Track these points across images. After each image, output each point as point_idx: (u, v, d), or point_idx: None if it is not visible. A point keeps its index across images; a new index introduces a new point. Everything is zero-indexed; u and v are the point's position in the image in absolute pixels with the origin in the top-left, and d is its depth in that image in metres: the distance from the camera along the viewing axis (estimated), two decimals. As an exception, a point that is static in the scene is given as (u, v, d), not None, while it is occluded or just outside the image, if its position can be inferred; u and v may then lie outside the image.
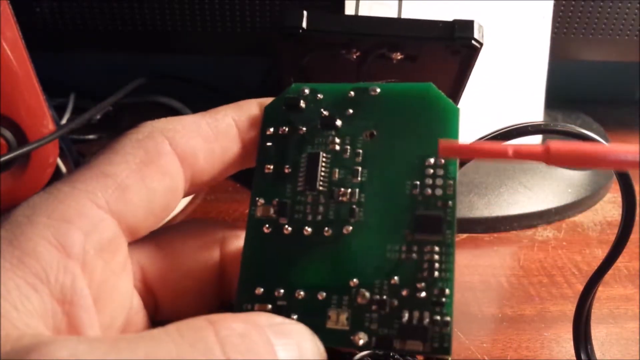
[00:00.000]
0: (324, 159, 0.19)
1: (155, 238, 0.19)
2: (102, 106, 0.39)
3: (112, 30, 0.41)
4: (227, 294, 0.20)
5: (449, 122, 0.18)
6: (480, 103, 0.41)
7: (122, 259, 0.17)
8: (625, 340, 0.30)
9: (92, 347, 0.12)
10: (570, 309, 0.30)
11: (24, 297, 0.14)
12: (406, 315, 0.16)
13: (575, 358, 0.23)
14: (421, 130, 0.18)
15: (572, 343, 0.24)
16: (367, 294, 0.17)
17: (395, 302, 0.17)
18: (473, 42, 0.18)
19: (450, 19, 0.39)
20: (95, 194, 0.16)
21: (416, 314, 0.16)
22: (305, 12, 0.19)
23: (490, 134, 0.21)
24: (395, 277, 0.17)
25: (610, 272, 0.22)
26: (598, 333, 0.30)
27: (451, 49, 0.18)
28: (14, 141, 0.30)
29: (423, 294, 0.16)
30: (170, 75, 0.49)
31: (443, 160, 0.18)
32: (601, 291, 0.32)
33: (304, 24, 0.19)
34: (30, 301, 0.14)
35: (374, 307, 0.17)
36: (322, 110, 0.19)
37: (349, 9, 0.39)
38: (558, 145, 0.15)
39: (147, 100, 0.47)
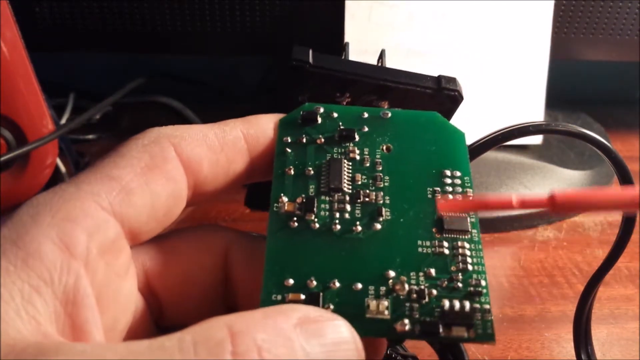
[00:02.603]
0: (346, 164, 0.19)
1: (160, 242, 0.19)
2: (101, 106, 0.39)
3: (112, 30, 0.41)
4: (233, 299, 0.20)
5: (458, 145, 0.20)
6: (481, 103, 0.41)
7: (125, 261, 0.17)
8: (626, 341, 0.30)
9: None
10: (570, 309, 0.30)
11: (27, 302, 0.14)
12: (447, 304, 0.16)
13: (575, 358, 0.23)
14: (434, 148, 0.20)
15: (572, 343, 0.23)
16: (406, 284, 0.17)
17: (434, 292, 0.17)
18: (456, 94, 0.20)
19: (451, 20, 0.39)
20: (99, 196, 0.16)
21: (456, 302, 0.17)
22: (310, 50, 0.20)
23: (491, 134, 0.21)
24: (431, 269, 0.17)
25: (610, 272, 0.22)
26: (599, 333, 0.30)
27: (436, 100, 0.20)
28: (14, 141, 0.30)
29: (460, 285, 0.17)
30: (170, 75, 0.49)
31: (458, 173, 0.19)
32: (602, 291, 0.32)
33: (310, 59, 0.20)
34: (34, 306, 0.14)
35: (413, 296, 0.17)
36: (339, 124, 0.20)
37: (349, 10, 0.39)
38: (562, 193, 0.15)
39: (147, 100, 0.47)
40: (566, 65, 0.46)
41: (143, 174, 0.17)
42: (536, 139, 0.43)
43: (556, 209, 0.15)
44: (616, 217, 0.40)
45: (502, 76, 0.42)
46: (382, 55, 0.24)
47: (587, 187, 0.16)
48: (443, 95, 0.20)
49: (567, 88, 0.48)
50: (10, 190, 0.31)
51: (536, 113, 0.42)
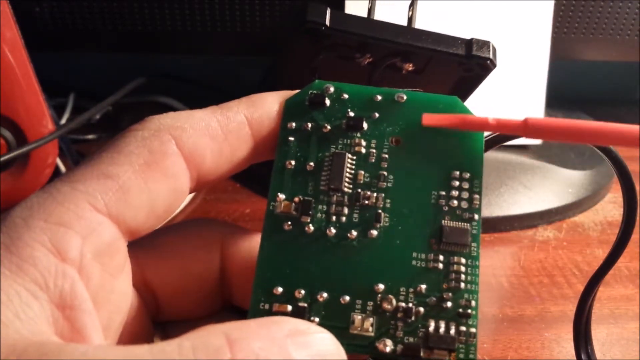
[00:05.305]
0: (349, 160, 0.18)
1: (156, 238, 0.19)
2: (101, 106, 0.39)
3: (112, 30, 0.41)
4: (229, 293, 0.20)
5: (474, 137, 0.18)
6: (481, 103, 0.41)
7: (121, 260, 0.17)
8: (626, 341, 0.30)
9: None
10: (570, 309, 0.30)
11: (25, 304, 0.14)
12: (432, 325, 0.16)
13: (575, 358, 0.23)
14: (447, 142, 0.18)
15: (572, 343, 0.23)
16: (394, 301, 0.16)
17: (421, 310, 0.16)
18: (488, 62, 0.19)
19: (452, 20, 0.39)
20: (94, 196, 0.16)
21: (442, 323, 0.16)
22: (329, 9, 0.18)
23: (491, 134, 0.21)
24: (422, 285, 0.17)
25: (610, 272, 0.22)
26: (599, 333, 0.30)
27: (464, 67, 0.19)
28: (14, 141, 0.30)
29: (449, 304, 0.16)
30: (170, 75, 0.49)
31: (468, 174, 0.18)
32: (602, 291, 0.32)
33: (327, 21, 0.18)
34: (31, 308, 0.14)
35: (399, 315, 0.16)
36: (348, 110, 0.19)
37: (349, 10, 0.39)
38: (535, 119, 0.16)
39: (147, 100, 0.47)
40: (566, 65, 0.46)
41: (141, 171, 0.16)
42: (536, 139, 0.43)
43: (529, 133, 0.16)
44: (616, 217, 0.40)
45: (502, 76, 0.41)
46: (412, 4, 0.21)
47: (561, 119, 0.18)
48: (472, 63, 0.19)
49: (567, 88, 0.48)
50: (10, 190, 0.31)
51: (536, 112, 0.42)
